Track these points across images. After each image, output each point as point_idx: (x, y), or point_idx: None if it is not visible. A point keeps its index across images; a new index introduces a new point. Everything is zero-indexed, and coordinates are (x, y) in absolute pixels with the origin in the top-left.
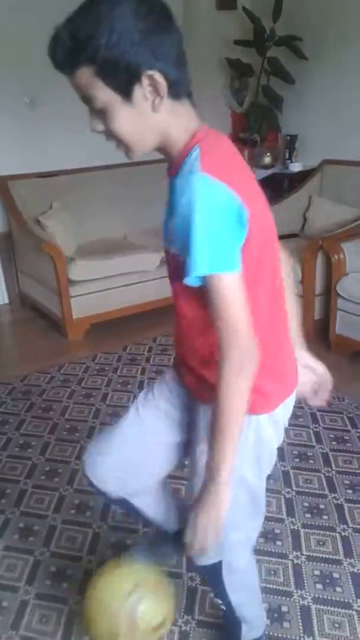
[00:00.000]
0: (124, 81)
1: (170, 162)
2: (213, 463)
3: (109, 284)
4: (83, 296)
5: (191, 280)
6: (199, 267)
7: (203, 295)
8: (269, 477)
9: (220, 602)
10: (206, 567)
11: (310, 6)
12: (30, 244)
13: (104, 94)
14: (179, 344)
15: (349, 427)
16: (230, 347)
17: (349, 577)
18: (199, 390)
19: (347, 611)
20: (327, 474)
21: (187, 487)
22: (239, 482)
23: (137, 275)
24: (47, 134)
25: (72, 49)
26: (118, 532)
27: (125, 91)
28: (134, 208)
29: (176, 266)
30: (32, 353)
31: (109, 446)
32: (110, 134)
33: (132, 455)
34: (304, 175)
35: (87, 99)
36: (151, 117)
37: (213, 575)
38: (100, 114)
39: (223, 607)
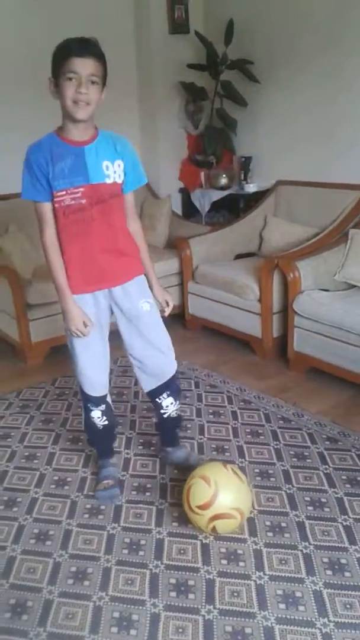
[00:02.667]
0: (104, 77)
1: (84, 136)
2: (154, 272)
3: None
4: (42, 319)
5: (136, 186)
6: (145, 178)
7: (123, 203)
8: None
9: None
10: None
11: (261, 30)
12: None
13: (100, 77)
14: (100, 251)
15: (309, 443)
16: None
17: (312, 596)
18: (129, 272)
19: (310, 630)
20: (288, 491)
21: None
22: None
23: None
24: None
25: (101, 51)
26: (78, 560)
27: (105, 81)
28: None
29: (112, 189)
30: None
31: (99, 371)
32: (89, 99)
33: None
34: (259, 196)
35: (91, 76)
36: (100, 99)
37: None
38: (93, 86)
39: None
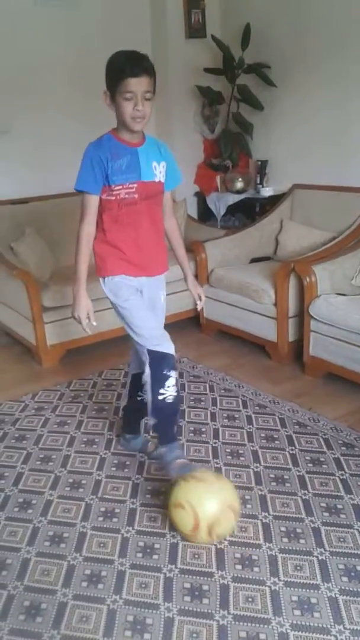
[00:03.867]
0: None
1: (136, 139)
2: (189, 266)
3: None
4: (57, 322)
5: (175, 185)
6: (182, 178)
7: (162, 201)
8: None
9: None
10: None
11: (277, 34)
12: (2, 271)
13: (153, 91)
14: (145, 241)
15: (325, 449)
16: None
17: (327, 602)
18: (162, 265)
19: (325, 637)
20: (304, 497)
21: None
22: None
23: None
24: (19, 160)
25: (152, 66)
26: (92, 563)
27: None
28: None
29: (158, 187)
30: (5, 381)
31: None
32: (144, 114)
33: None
34: (275, 200)
35: (145, 93)
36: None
37: None
38: (147, 102)
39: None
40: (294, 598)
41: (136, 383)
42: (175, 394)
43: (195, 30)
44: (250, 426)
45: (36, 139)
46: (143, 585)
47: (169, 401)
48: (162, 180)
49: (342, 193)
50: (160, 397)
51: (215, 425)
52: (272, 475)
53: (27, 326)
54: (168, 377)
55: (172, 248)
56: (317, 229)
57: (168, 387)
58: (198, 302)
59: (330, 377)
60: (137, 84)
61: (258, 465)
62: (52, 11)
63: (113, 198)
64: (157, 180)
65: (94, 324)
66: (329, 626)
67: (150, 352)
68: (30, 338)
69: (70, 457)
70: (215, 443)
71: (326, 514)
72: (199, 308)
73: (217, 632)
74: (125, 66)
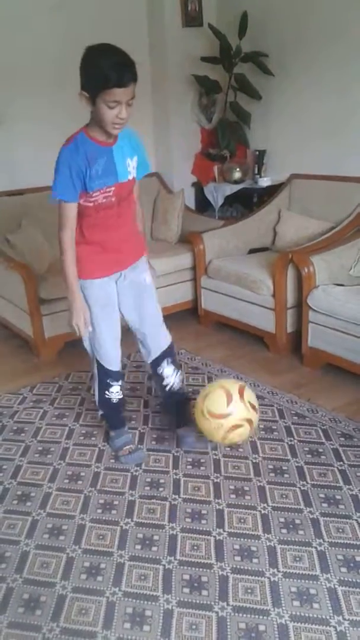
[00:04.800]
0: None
1: (111, 138)
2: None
3: None
4: (55, 314)
5: (144, 174)
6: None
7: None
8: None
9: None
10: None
11: (275, 22)
12: None
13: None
14: (121, 241)
15: (323, 440)
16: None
17: (326, 593)
18: (138, 253)
19: (325, 627)
20: (302, 488)
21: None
22: None
23: None
24: (14, 151)
25: (135, 72)
26: (91, 556)
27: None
28: None
29: (132, 185)
30: (3, 374)
31: (118, 345)
32: (126, 120)
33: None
34: (273, 190)
35: (129, 100)
36: None
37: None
38: (128, 107)
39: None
40: (293, 589)
41: (155, 373)
42: (119, 397)
43: (192, 19)
44: None
45: (31, 129)
46: (142, 577)
47: (113, 401)
48: (135, 175)
49: (340, 183)
50: (105, 397)
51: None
52: (270, 467)
53: (24, 319)
54: (111, 385)
55: None
56: (315, 219)
57: (112, 392)
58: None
59: (328, 368)
60: (123, 94)
61: (257, 456)
62: (45, 1)
63: (91, 204)
64: (130, 177)
65: (90, 329)
66: (328, 617)
67: (98, 363)
68: (28, 331)
69: (69, 450)
70: None
71: (325, 505)
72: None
73: (217, 624)
74: (111, 74)
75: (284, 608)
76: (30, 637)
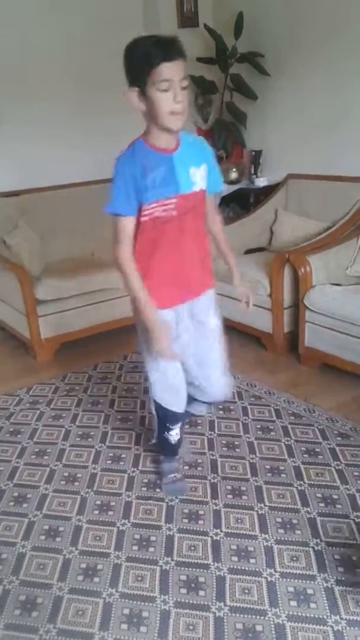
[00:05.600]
0: None
1: (172, 143)
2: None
3: (77, 302)
4: (51, 315)
5: (217, 189)
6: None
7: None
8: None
9: None
10: None
11: (271, 23)
12: None
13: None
14: (184, 261)
15: (320, 439)
16: None
17: (323, 593)
18: (206, 280)
19: (322, 627)
20: (299, 488)
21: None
22: None
23: (107, 293)
24: (10, 152)
25: (181, 48)
26: (88, 557)
27: None
28: (101, 225)
29: (199, 197)
30: (0, 375)
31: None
32: (184, 107)
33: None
34: (270, 190)
35: (182, 80)
36: None
37: None
38: (185, 92)
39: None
40: (290, 589)
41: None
42: (178, 438)
43: (188, 19)
44: (246, 417)
45: (27, 130)
46: (139, 578)
47: (171, 442)
48: (204, 187)
49: (336, 182)
50: (163, 436)
51: (210, 416)
52: (267, 467)
53: (20, 320)
54: (171, 429)
55: (218, 250)
56: (311, 219)
57: (171, 435)
58: (244, 304)
59: (325, 368)
60: (173, 70)
61: (254, 456)
62: (42, 1)
63: (147, 218)
64: (197, 189)
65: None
66: (325, 617)
67: (157, 404)
68: (24, 332)
69: (66, 451)
70: (210, 435)
71: (322, 505)
72: (246, 307)
73: (214, 624)
74: (155, 50)
75: (281, 608)
76: (27, 638)
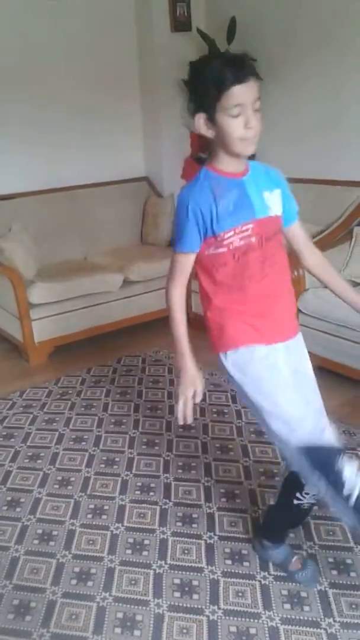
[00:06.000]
0: None
1: (241, 167)
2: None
3: (71, 305)
4: (45, 319)
5: (295, 218)
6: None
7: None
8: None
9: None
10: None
11: (264, 27)
12: None
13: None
14: (268, 297)
15: None
16: None
17: (317, 596)
18: (296, 323)
19: (315, 630)
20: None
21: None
22: None
23: (100, 296)
24: (4, 155)
25: (254, 67)
26: (82, 561)
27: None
28: (93, 229)
29: (277, 223)
30: None
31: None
32: (257, 132)
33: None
34: None
35: (255, 102)
36: None
37: None
38: (258, 115)
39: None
40: (284, 592)
41: (294, 481)
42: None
43: (181, 24)
44: (240, 421)
45: (21, 133)
46: (133, 582)
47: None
48: (279, 213)
49: (329, 187)
50: (295, 502)
51: (204, 420)
52: (261, 470)
53: (14, 323)
54: (341, 472)
55: (330, 283)
56: (305, 223)
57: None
58: None
59: (319, 371)
60: (245, 93)
61: (247, 459)
62: (37, 6)
63: (224, 249)
64: (272, 214)
65: (198, 399)
66: (319, 619)
67: (305, 450)
68: (18, 335)
69: (59, 455)
70: (204, 438)
71: (315, 508)
72: None
73: (208, 628)
74: (226, 70)
75: (274, 611)
76: None
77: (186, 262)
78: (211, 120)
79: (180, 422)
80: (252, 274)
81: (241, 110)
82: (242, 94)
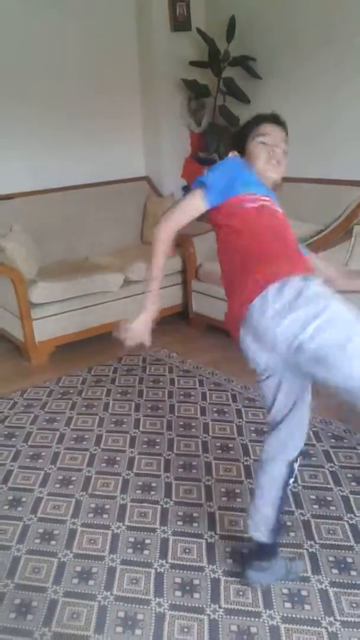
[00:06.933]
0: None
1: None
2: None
3: (72, 305)
4: (46, 319)
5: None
6: None
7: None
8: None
9: None
10: None
11: (263, 26)
12: None
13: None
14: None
15: (314, 441)
16: None
17: (317, 595)
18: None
19: (316, 629)
20: (293, 490)
21: None
22: None
23: (101, 296)
24: (4, 155)
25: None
26: (83, 560)
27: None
28: (94, 229)
29: (280, 213)
30: None
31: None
32: (280, 159)
33: None
34: None
35: (281, 142)
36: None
37: None
38: (283, 154)
39: None
40: (285, 591)
41: (286, 476)
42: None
43: (180, 23)
44: (240, 420)
45: (22, 133)
46: (134, 581)
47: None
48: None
49: (329, 186)
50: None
51: (205, 419)
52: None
53: (15, 323)
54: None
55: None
56: (304, 222)
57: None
58: None
59: None
60: (274, 130)
61: (248, 458)
62: (37, 7)
63: (255, 205)
64: (281, 210)
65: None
66: (319, 618)
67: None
68: (19, 335)
69: (60, 454)
70: (205, 437)
71: (316, 507)
72: None
73: (208, 627)
74: (263, 114)
75: (275, 610)
76: None
77: (195, 208)
78: (245, 149)
79: (130, 343)
80: (276, 229)
81: (267, 140)
82: (272, 130)
